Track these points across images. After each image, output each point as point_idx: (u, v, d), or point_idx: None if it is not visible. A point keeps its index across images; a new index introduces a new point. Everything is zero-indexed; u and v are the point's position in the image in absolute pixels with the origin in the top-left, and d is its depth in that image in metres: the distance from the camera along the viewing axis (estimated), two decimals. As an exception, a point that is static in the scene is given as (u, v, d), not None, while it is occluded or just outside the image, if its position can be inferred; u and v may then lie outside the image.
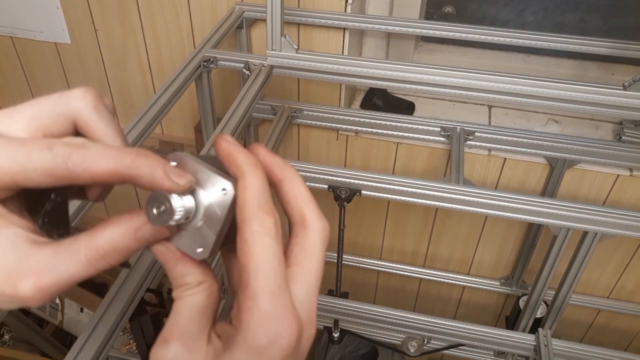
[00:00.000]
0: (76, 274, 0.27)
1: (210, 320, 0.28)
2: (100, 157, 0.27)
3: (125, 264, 0.30)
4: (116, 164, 0.27)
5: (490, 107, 1.27)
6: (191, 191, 0.28)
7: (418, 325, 0.97)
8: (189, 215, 0.27)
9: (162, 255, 0.29)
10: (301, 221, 0.29)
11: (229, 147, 0.28)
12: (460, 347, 0.98)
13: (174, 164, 0.28)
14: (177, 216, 0.27)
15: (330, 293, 1.14)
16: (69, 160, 0.26)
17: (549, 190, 1.16)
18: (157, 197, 0.27)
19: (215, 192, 0.27)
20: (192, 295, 0.28)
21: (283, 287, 0.26)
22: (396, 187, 0.86)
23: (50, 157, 0.26)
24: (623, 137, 1.15)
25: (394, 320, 0.97)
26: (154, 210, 0.27)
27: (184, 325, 0.27)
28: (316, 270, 0.28)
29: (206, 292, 0.28)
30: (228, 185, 0.27)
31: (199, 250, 0.28)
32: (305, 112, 1.14)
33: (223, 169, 0.28)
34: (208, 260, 0.29)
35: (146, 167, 0.27)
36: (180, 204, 0.27)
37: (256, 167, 0.27)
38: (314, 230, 0.29)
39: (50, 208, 0.29)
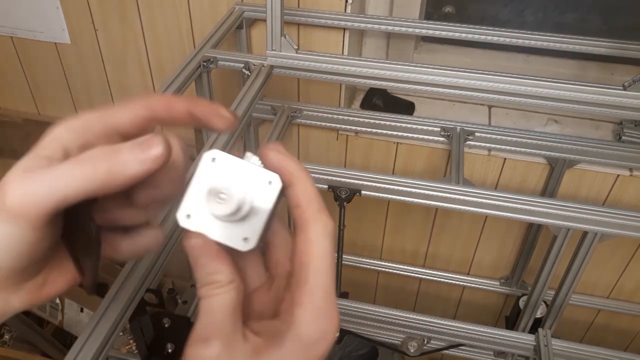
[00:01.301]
0: (71, 182, 0.26)
1: (241, 317, 0.29)
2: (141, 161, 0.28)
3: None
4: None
5: (490, 107, 1.27)
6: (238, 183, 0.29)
7: (418, 325, 0.97)
8: (241, 206, 0.28)
9: (197, 250, 0.29)
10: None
11: (278, 156, 0.29)
12: (460, 347, 0.98)
13: (212, 161, 0.29)
14: (234, 205, 0.28)
15: (330, 293, 1.14)
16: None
17: (548, 190, 1.16)
18: (215, 188, 0.28)
19: (260, 184, 0.29)
20: (224, 294, 0.28)
21: (333, 288, 0.28)
22: (396, 187, 0.86)
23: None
24: (623, 137, 1.15)
25: (394, 320, 0.97)
26: (215, 199, 0.28)
27: (220, 324, 0.28)
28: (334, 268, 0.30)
29: (237, 290, 0.29)
30: (275, 177, 0.29)
31: (245, 240, 0.29)
32: (305, 112, 1.14)
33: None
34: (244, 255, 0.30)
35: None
36: (240, 193, 0.28)
37: (307, 173, 0.29)
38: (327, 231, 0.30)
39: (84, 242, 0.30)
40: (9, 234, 0.26)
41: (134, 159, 0.27)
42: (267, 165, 0.30)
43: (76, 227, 0.29)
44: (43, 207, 0.26)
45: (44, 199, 0.26)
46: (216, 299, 0.28)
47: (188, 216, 0.29)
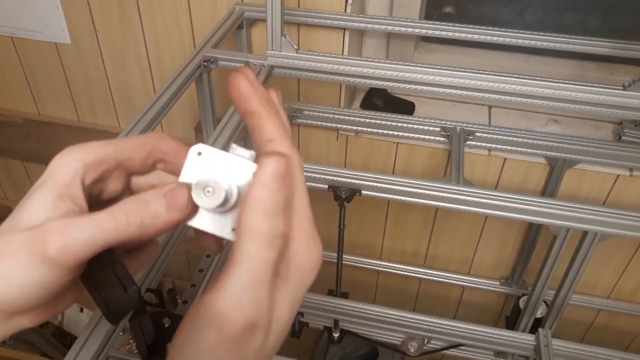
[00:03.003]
0: (104, 232, 0.28)
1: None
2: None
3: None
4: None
5: (490, 107, 1.27)
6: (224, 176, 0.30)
7: (418, 325, 0.97)
8: (229, 198, 0.29)
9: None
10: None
11: (241, 97, 0.29)
12: (460, 347, 0.98)
13: (198, 154, 0.30)
14: (221, 198, 0.29)
15: (330, 293, 1.14)
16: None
17: (549, 190, 1.16)
18: (204, 180, 0.29)
19: (246, 175, 0.29)
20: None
21: (312, 219, 0.29)
22: (396, 187, 0.86)
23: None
24: (623, 137, 1.15)
25: (394, 320, 0.97)
26: (202, 193, 0.29)
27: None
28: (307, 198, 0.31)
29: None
30: (249, 153, 0.29)
31: (234, 231, 0.29)
32: (305, 112, 1.14)
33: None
34: None
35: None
36: (226, 186, 0.29)
37: (271, 108, 0.29)
38: (296, 161, 0.29)
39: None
40: (45, 279, 0.28)
41: (163, 211, 0.29)
42: (234, 93, 0.29)
43: (97, 265, 0.30)
44: (80, 256, 0.28)
45: (82, 248, 0.28)
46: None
47: None
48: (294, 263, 0.28)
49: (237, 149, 0.30)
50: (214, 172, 0.29)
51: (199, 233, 0.30)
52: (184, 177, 0.30)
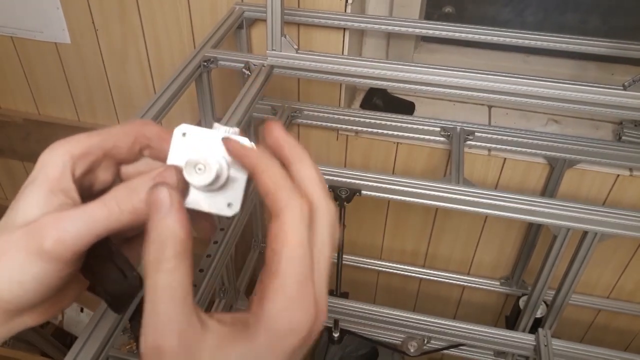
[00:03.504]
0: (97, 222, 0.28)
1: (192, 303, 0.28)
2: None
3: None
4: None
5: (490, 107, 1.27)
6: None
7: (418, 325, 0.97)
8: (220, 173, 0.29)
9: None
10: (309, 204, 0.28)
11: (238, 149, 0.29)
12: (460, 347, 0.98)
13: (183, 134, 0.30)
14: (213, 174, 0.29)
15: (330, 293, 1.14)
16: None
17: (549, 190, 1.16)
18: (194, 159, 0.29)
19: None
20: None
21: (309, 277, 0.26)
22: (396, 187, 0.86)
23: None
24: (623, 137, 1.15)
25: (394, 320, 0.97)
26: (193, 171, 0.29)
27: (172, 315, 0.27)
28: (330, 257, 0.28)
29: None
30: (245, 141, 0.29)
31: (229, 206, 0.30)
32: (305, 112, 1.14)
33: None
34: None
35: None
36: (216, 163, 0.29)
37: (271, 159, 0.28)
38: (322, 213, 0.28)
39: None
40: (44, 273, 0.28)
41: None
42: (231, 154, 0.30)
43: (95, 256, 0.30)
44: (76, 248, 0.28)
45: (77, 240, 0.28)
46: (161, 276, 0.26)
47: None
48: (266, 323, 0.26)
49: (221, 128, 0.30)
50: (202, 150, 0.29)
51: (194, 216, 0.30)
52: (171, 160, 0.30)
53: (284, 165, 0.29)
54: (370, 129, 1.11)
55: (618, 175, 1.13)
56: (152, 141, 0.32)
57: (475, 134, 1.08)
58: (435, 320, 0.97)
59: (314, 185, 0.29)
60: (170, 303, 0.25)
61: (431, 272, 1.41)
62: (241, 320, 0.27)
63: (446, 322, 0.97)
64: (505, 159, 1.16)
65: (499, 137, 1.08)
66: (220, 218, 0.91)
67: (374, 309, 0.98)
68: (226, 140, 0.29)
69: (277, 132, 0.30)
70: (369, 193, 0.87)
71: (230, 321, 0.27)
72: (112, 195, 0.29)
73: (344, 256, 1.32)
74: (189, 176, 0.29)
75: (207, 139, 0.30)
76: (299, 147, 0.30)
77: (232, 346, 0.26)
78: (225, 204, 0.30)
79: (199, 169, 0.29)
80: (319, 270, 0.27)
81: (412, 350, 0.97)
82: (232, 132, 0.30)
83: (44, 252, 0.27)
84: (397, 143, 1.21)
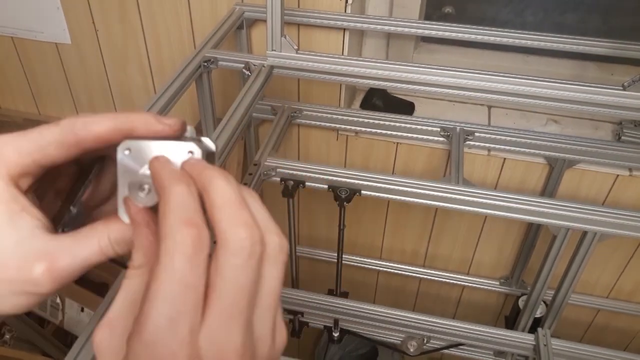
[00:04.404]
0: (89, 259, 0.28)
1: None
2: (100, 119, 0.29)
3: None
4: (114, 121, 0.29)
5: (490, 107, 1.27)
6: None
7: (418, 324, 0.97)
8: None
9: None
10: (216, 235, 0.25)
11: (156, 164, 0.28)
12: (460, 347, 0.99)
13: (127, 152, 0.28)
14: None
15: (330, 293, 1.15)
16: (74, 127, 0.29)
17: (548, 190, 1.16)
18: (135, 181, 0.28)
19: (181, 157, 0.28)
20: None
21: (181, 314, 0.23)
22: (396, 187, 0.86)
23: (59, 129, 0.29)
24: (622, 137, 1.15)
25: (394, 320, 0.97)
26: (140, 194, 0.28)
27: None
28: (231, 296, 0.24)
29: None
30: (192, 146, 0.28)
31: None
32: (305, 112, 1.14)
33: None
34: None
35: (139, 118, 0.29)
36: None
37: (180, 179, 0.26)
38: (224, 244, 0.24)
39: (68, 219, 0.31)
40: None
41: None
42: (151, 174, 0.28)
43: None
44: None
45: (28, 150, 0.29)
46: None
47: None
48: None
49: (189, 131, 0.30)
50: (146, 166, 0.28)
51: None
52: (121, 179, 0.28)
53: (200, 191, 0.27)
54: (370, 129, 1.11)
55: (617, 175, 1.13)
56: (95, 145, 0.30)
57: (475, 134, 1.08)
58: (435, 320, 0.97)
59: (220, 210, 0.25)
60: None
61: (431, 272, 1.42)
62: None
63: (446, 322, 0.97)
64: (504, 159, 1.16)
65: (499, 137, 1.08)
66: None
67: (374, 308, 0.98)
68: (152, 160, 0.28)
69: (191, 161, 0.28)
70: (368, 193, 0.87)
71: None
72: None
73: (344, 256, 1.32)
74: (137, 201, 0.27)
75: (151, 150, 0.28)
76: (207, 169, 0.27)
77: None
78: None
79: (143, 189, 0.27)
80: (220, 312, 0.24)
81: (411, 350, 0.98)
82: (190, 132, 0.29)
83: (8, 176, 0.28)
84: (397, 143, 1.21)
